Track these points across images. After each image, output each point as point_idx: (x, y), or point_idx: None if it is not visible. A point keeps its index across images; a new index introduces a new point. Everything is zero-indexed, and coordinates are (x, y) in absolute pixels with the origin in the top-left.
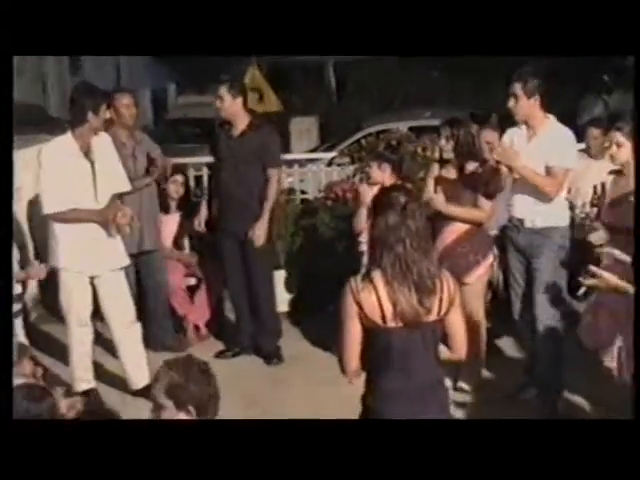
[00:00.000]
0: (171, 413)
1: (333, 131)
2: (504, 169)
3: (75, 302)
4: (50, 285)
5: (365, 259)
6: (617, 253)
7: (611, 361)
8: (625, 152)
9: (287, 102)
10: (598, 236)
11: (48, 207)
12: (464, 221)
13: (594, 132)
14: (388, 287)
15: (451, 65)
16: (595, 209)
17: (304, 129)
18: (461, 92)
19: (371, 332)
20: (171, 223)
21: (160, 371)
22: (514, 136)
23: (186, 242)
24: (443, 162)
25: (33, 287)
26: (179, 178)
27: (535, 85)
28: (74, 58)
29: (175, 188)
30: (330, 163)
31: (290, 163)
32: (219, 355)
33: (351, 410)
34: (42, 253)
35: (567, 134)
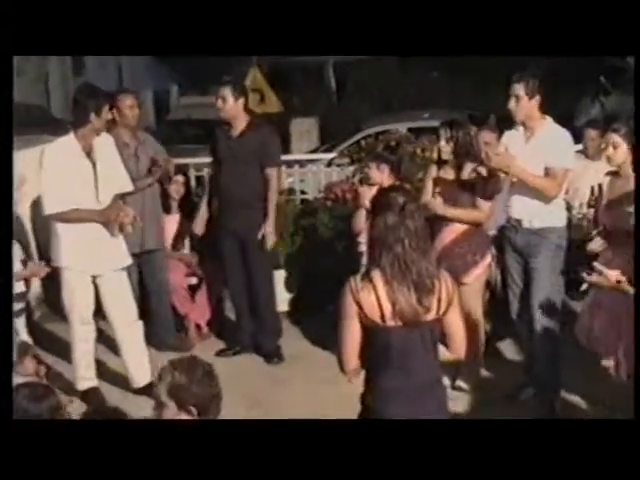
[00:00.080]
0: (172, 413)
1: (333, 132)
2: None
3: (77, 301)
4: (53, 284)
5: (364, 259)
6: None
7: (608, 360)
8: (621, 153)
9: (287, 103)
10: (596, 244)
11: (50, 207)
12: (462, 222)
13: (591, 133)
14: (387, 286)
15: (450, 66)
16: (592, 210)
17: (304, 130)
18: (460, 93)
19: (370, 331)
20: (172, 223)
21: (164, 371)
22: (512, 138)
23: (187, 242)
24: (441, 163)
25: (37, 286)
26: (180, 178)
27: (536, 86)
28: (77, 59)
29: (176, 188)
30: (330, 164)
31: (290, 164)
32: (220, 353)
33: (350, 409)
34: (45, 252)
35: (564, 135)
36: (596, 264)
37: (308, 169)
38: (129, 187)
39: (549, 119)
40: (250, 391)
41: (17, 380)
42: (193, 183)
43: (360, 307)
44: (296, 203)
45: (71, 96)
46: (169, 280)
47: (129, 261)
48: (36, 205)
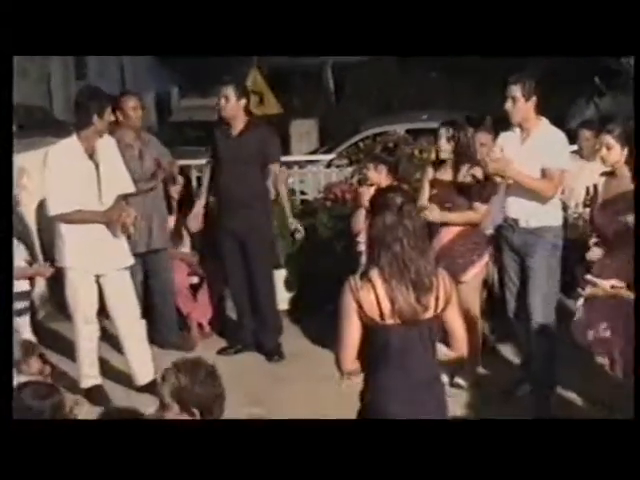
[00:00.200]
0: (175, 414)
1: (332, 134)
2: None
3: (81, 300)
4: (58, 284)
5: (363, 258)
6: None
7: (604, 358)
8: (615, 154)
9: (287, 105)
10: (594, 253)
11: (53, 208)
12: (460, 224)
13: (586, 134)
14: (386, 285)
15: (448, 68)
16: (588, 209)
17: (304, 132)
18: (458, 95)
19: (370, 330)
20: (172, 223)
21: (167, 372)
22: (508, 139)
23: (187, 242)
24: (439, 163)
25: (41, 285)
26: (180, 179)
27: (533, 87)
28: (79, 62)
29: (176, 189)
30: (329, 165)
31: (290, 165)
32: (221, 352)
33: (350, 406)
34: (50, 253)
35: (560, 136)
36: (589, 277)
37: (308, 170)
38: (131, 188)
39: (545, 120)
40: (251, 389)
41: (22, 379)
42: (195, 184)
43: (360, 305)
44: (296, 203)
45: (73, 98)
46: (174, 279)
47: (131, 261)
48: (41, 206)
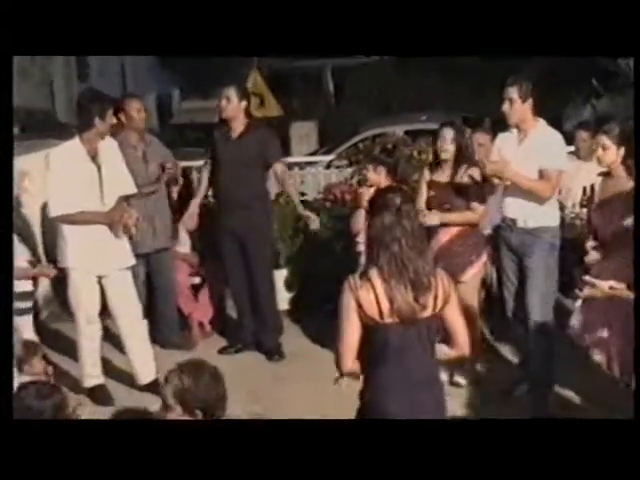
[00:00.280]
0: (178, 415)
1: (331, 135)
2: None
3: (83, 300)
4: (63, 284)
5: (362, 259)
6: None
7: (601, 356)
8: (611, 155)
9: (287, 107)
10: (592, 257)
11: (56, 210)
12: (459, 225)
13: (583, 135)
14: (385, 284)
15: (447, 70)
16: (585, 209)
17: (304, 133)
18: (456, 96)
19: (369, 329)
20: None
21: (170, 374)
22: (505, 140)
23: (188, 242)
24: (437, 164)
25: (45, 286)
26: (180, 181)
27: (529, 89)
28: (81, 64)
29: (176, 190)
30: (329, 166)
31: (290, 166)
32: (222, 351)
33: (349, 405)
34: (52, 254)
35: (557, 137)
36: (587, 277)
37: (307, 171)
38: (132, 189)
39: (542, 121)
40: (252, 387)
41: (24, 379)
42: (195, 185)
43: (359, 305)
44: (295, 205)
45: (75, 101)
46: (176, 279)
47: (133, 261)
48: (45, 208)
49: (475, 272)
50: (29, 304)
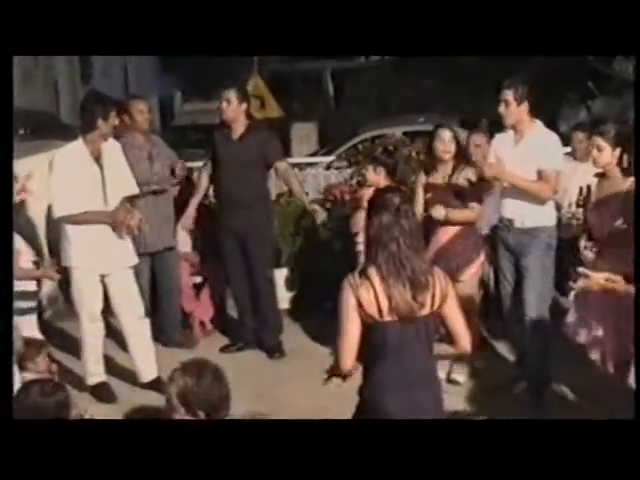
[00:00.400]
0: (181, 415)
1: (331, 136)
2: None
3: (86, 299)
4: (68, 283)
5: (362, 258)
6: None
7: (596, 354)
8: (606, 155)
9: (288, 109)
10: (587, 255)
11: (60, 210)
12: (460, 222)
13: (579, 136)
14: (384, 283)
15: (445, 72)
16: (581, 209)
17: (304, 135)
18: (454, 98)
19: (368, 327)
20: None
21: (174, 374)
22: (502, 141)
23: (189, 242)
24: (433, 166)
25: (49, 285)
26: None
27: (525, 92)
28: (84, 67)
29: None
30: (328, 167)
31: (291, 166)
32: (224, 349)
33: (349, 401)
34: (56, 254)
35: (553, 138)
36: (581, 269)
37: (308, 172)
38: (135, 190)
39: (539, 123)
40: (253, 385)
41: (29, 377)
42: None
43: (359, 303)
44: (296, 204)
45: (79, 103)
46: (180, 278)
47: (135, 260)
48: (50, 209)
49: (474, 271)
50: (34, 303)
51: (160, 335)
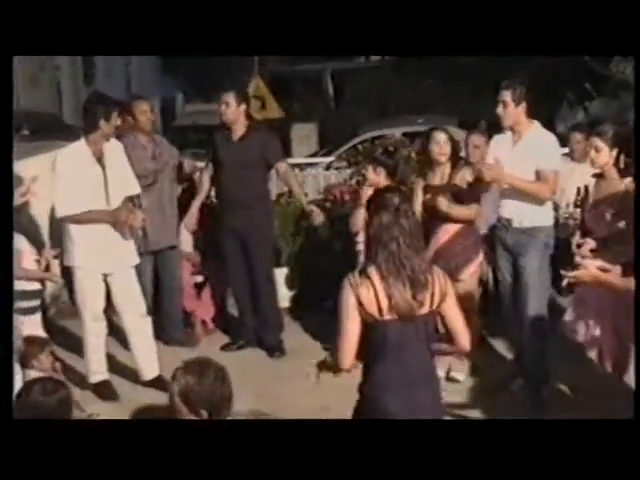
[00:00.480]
0: (184, 413)
1: (331, 137)
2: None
3: (89, 298)
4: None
5: (361, 258)
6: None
7: (594, 352)
8: (603, 156)
9: (288, 109)
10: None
11: (62, 210)
12: (460, 220)
13: (577, 137)
14: (384, 282)
15: (444, 73)
16: (578, 210)
17: (304, 135)
18: (453, 99)
19: (368, 325)
20: None
21: (177, 372)
22: (500, 141)
23: (190, 242)
24: (432, 166)
25: (52, 284)
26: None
27: (523, 93)
28: (87, 69)
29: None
30: (328, 167)
31: (291, 167)
32: (225, 348)
33: (348, 399)
34: (59, 254)
35: (551, 138)
36: (577, 258)
37: (308, 172)
38: (137, 190)
39: (536, 123)
40: (254, 383)
41: (33, 374)
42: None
43: (359, 302)
44: (297, 204)
45: (82, 104)
46: (182, 277)
47: (137, 260)
48: (53, 210)
49: (473, 271)
50: (38, 302)
51: (162, 334)
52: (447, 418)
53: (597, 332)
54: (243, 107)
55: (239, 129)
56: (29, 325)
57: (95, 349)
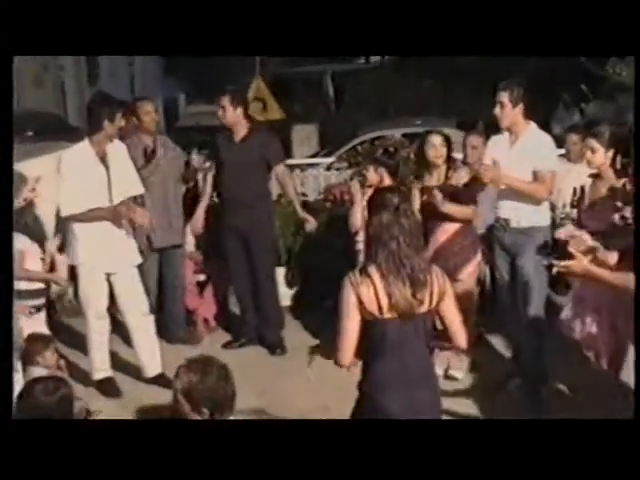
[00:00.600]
0: (186, 411)
1: (331, 138)
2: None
3: (93, 297)
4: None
5: (361, 257)
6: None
7: (590, 350)
8: (599, 157)
9: (289, 111)
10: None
11: (66, 209)
12: (457, 219)
13: (573, 138)
14: (384, 281)
15: (443, 74)
16: (575, 210)
17: (305, 136)
18: (452, 100)
19: (368, 323)
20: None
21: (180, 370)
22: (497, 142)
23: (192, 241)
24: (429, 168)
25: None
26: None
27: (520, 94)
28: (91, 71)
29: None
30: (329, 168)
31: (292, 168)
32: (226, 346)
33: (348, 397)
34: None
35: (547, 139)
36: (570, 248)
37: (308, 173)
38: (140, 190)
39: (533, 124)
40: (255, 381)
41: (38, 372)
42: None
43: (360, 300)
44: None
45: (86, 105)
46: (185, 276)
47: (139, 260)
48: (59, 210)
49: (471, 270)
50: (42, 301)
51: (164, 332)
52: (446, 417)
53: (594, 329)
54: (240, 110)
55: (241, 130)
56: (33, 323)
57: (99, 346)
